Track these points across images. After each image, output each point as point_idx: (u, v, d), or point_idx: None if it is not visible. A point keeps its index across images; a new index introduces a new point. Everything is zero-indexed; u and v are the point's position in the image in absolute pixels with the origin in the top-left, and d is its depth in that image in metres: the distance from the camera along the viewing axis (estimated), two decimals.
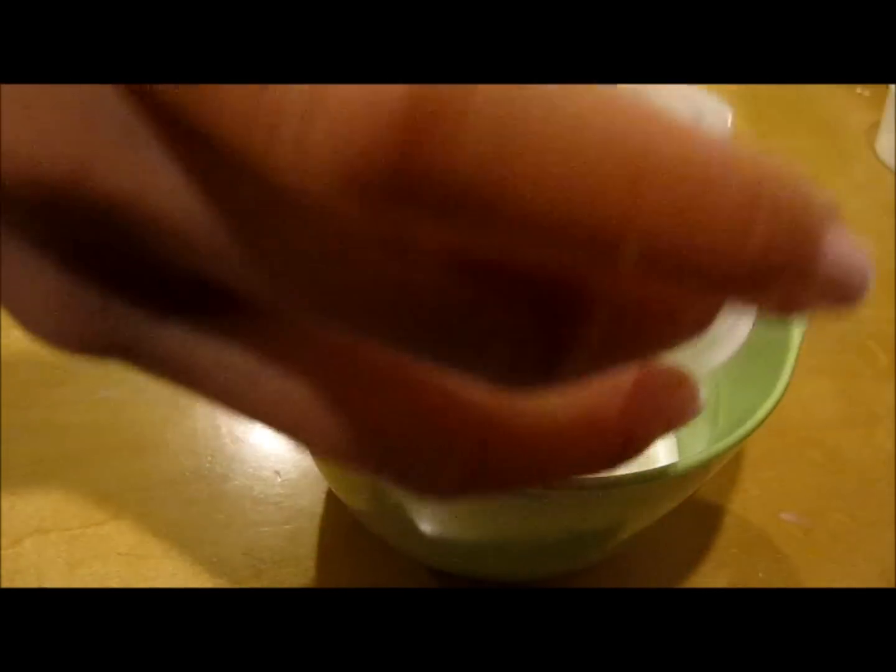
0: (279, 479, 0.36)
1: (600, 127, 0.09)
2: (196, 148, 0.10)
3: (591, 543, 0.28)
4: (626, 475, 0.22)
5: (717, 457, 0.23)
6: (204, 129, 0.10)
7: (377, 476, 0.12)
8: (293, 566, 0.33)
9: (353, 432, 0.12)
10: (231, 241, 0.10)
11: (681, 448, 0.34)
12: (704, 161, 0.09)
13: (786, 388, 0.25)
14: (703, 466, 0.23)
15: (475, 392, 0.12)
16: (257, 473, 0.36)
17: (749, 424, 0.24)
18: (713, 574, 0.34)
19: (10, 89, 0.11)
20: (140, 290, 0.12)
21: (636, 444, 0.13)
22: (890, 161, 0.57)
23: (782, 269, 0.09)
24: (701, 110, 0.32)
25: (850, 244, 0.10)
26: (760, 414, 0.24)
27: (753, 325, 0.23)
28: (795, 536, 0.35)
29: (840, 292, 0.10)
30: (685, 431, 0.34)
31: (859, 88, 0.66)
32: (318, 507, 0.35)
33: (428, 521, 0.27)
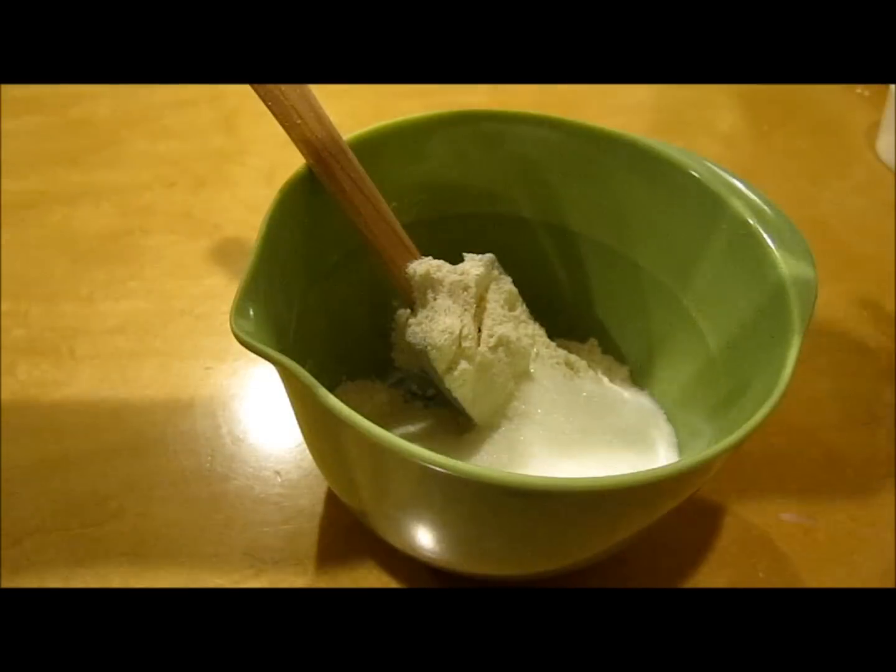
0: (279, 479, 0.36)
1: None
2: None
3: (592, 544, 0.28)
4: (626, 475, 0.22)
5: (717, 457, 0.23)
6: None
7: None
8: (293, 566, 0.33)
9: None
10: None
11: (681, 448, 0.34)
12: None
13: (786, 388, 0.25)
14: (703, 466, 0.23)
15: None
16: (257, 473, 0.36)
17: (749, 424, 0.24)
18: (713, 574, 0.34)
19: None
20: None
21: None
22: (890, 161, 0.57)
23: None
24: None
25: None
26: (760, 414, 0.24)
27: None
28: (795, 536, 0.35)
29: None
30: (685, 431, 0.34)
31: (859, 88, 0.66)
32: (318, 507, 0.35)
33: (428, 521, 0.27)
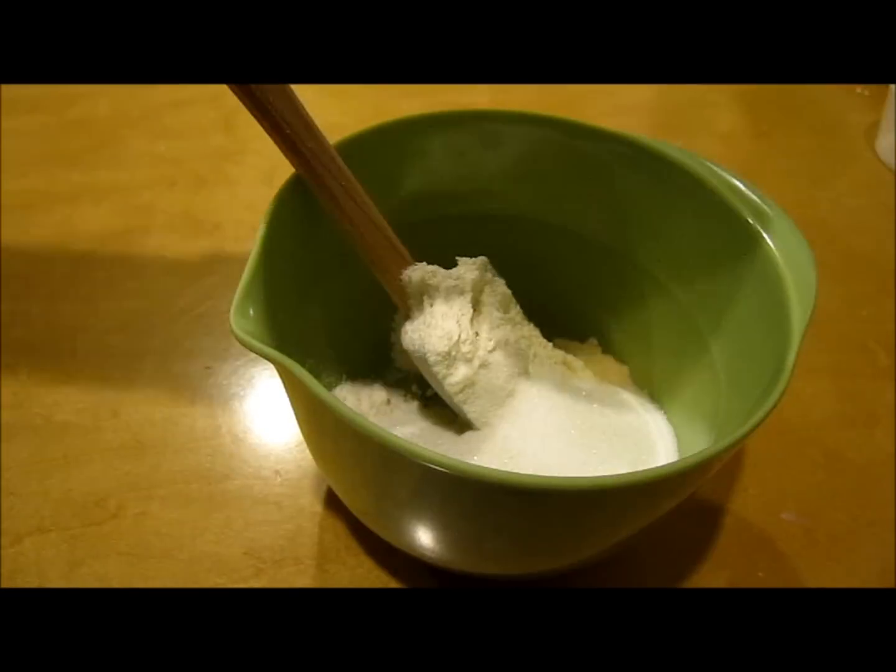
0: (279, 479, 0.36)
1: None
2: None
3: (591, 543, 0.28)
4: (626, 475, 0.22)
5: (717, 457, 0.23)
6: None
7: None
8: (293, 566, 0.33)
9: None
10: None
11: (681, 448, 0.34)
12: None
13: (786, 388, 0.25)
14: (703, 466, 0.23)
15: None
16: (257, 473, 0.36)
17: (749, 424, 0.24)
18: (713, 574, 0.34)
19: None
20: None
21: None
22: (890, 161, 0.57)
23: None
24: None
25: None
26: (760, 414, 0.24)
27: None
28: (795, 536, 0.35)
29: None
30: (685, 431, 0.34)
31: (859, 88, 0.66)
32: (318, 507, 0.35)
33: (428, 521, 0.27)
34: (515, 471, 0.22)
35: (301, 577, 0.32)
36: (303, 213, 0.29)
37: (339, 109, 0.58)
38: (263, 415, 0.39)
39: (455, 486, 0.23)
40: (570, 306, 0.38)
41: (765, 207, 0.31)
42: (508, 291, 0.34)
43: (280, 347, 0.24)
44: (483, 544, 0.27)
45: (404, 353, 0.32)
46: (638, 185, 0.33)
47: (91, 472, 0.35)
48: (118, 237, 0.47)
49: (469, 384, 0.31)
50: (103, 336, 0.41)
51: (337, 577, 0.33)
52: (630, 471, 0.22)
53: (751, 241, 0.29)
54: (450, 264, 0.32)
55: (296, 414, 0.29)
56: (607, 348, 0.38)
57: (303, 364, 0.23)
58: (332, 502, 0.35)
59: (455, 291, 0.31)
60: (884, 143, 0.58)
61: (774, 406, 0.24)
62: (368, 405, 0.35)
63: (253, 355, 0.23)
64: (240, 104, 0.26)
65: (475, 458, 0.31)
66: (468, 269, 0.32)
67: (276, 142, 0.27)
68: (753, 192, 0.32)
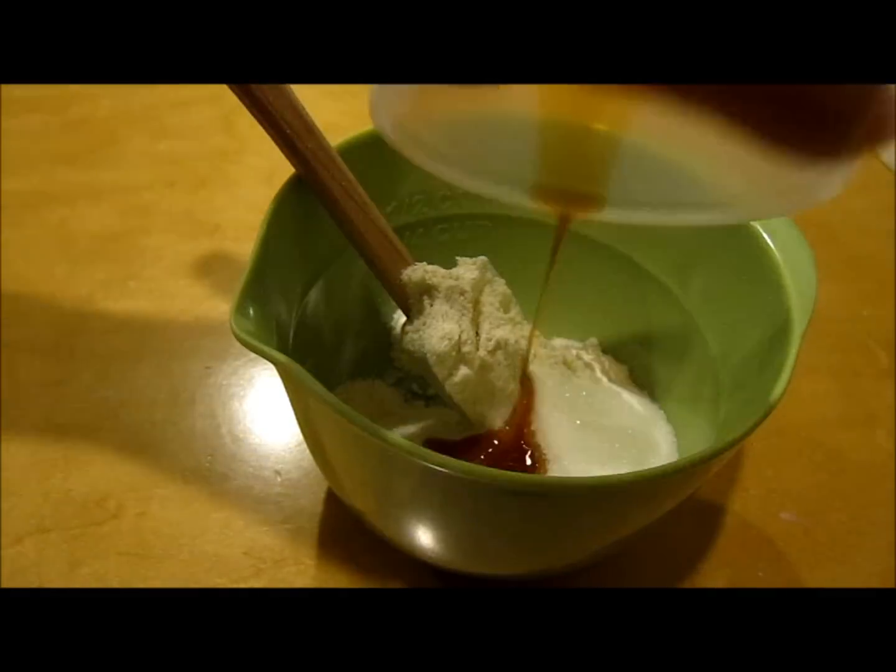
0: (279, 479, 0.36)
1: None
2: None
3: (591, 543, 0.28)
4: (626, 474, 0.22)
5: (717, 456, 0.23)
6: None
7: None
8: (293, 566, 0.33)
9: None
10: None
11: (681, 448, 0.34)
12: None
13: (786, 388, 0.25)
14: (703, 466, 0.23)
15: None
16: (257, 473, 0.36)
17: (749, 424, 0.24)
18: (713, 574, 0.34)
19: None
20: None
21: None
22: (890, 161, 0.57)
23: None
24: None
25: None
26: (760, 414, 0.24)
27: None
28: (795, 536, 0.35)
29: None
30: (685, 431, 0.34)
31: None
32: (318, 507, 0.35)
33: (428, 521, 0.27)
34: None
35: (301, 577, 0.32)
36: (303, 213, 0.29)
37: (339, 109, 0.57)
38: (263, 415, 0.39)
39: (455, 486, 0.23)
40: (570, 306, 0.38)
41: None
42: (508, 291, 0.34)
43: (280, 347, 0.24)
44: (483, 544, 0.27)
45: (404, 352, 0.32)
46: None
47: (91, 472, 0.35)
48: (118, 237, 0.47)
49: (469, 384, 0.31)
50: (103, 336, 0.41)
51: (337, 577, 0.33)
52: (630, 471, 0.22)
53: (751, 241, 0.29)
54: (450, 264, 0.32)
55: (296, 414, 0.29)
56: (607, 348, 0.38)
57: (303, 364, 0.23)
58: (332, 502, 0.35)
59: (455, 291, 0.31)
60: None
61: (774, 406, 0.24)
62: (368, 405, 0.35)
63: (253, 355, 0.23)
64: (240, 104, 0.26)
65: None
66: (468, 269, 0.32)
67: (276, 142, 0.27)
68: None
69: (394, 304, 0.32)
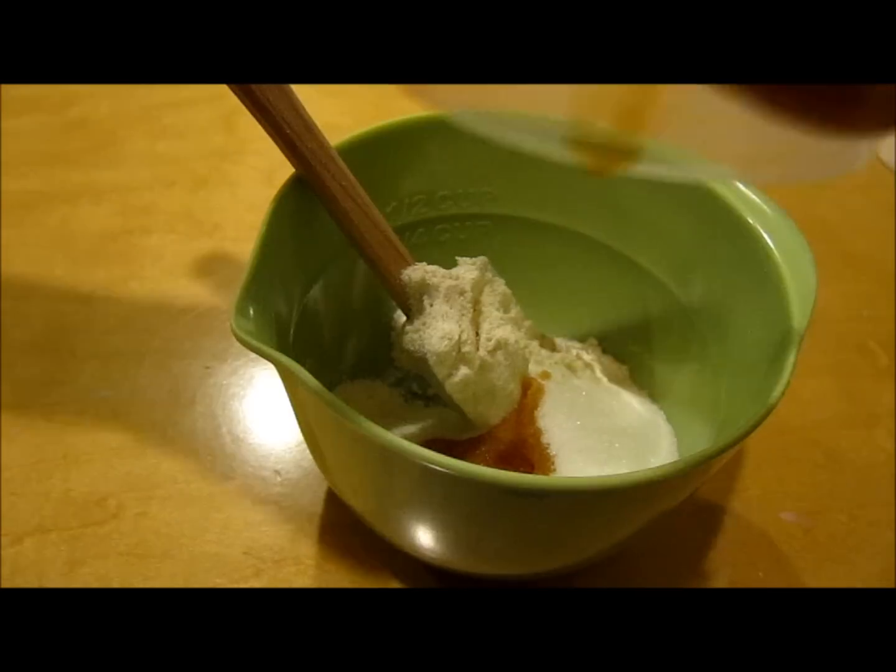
0: (279, 479, 0.36)
1: None
2: None
3: (591, 543, 0.28)
4: (626, 475, 0.22)
5: (717, 456, 0.23)
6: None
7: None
8: (293, 566, 0.33)
9: None
10: None
11: (681, 448, 0.34)
12: None
13: (786, 388, 0.25)
14: (703, 466, 0.23)
15: None
16: (257, 473, 0.36)
17: (749, 424, 0.24)
18: (713, 574, 0.34)
19: None
20: None
21: None
22: (890, 161, 0.57)
23: None
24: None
25: None
26: (760, 414, 0.24)
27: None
28: (795, 536, 0.35)
29: None
30: (685, 431, 0.34)
31: None
32: (318, 507, 0.35)
33: (428, 521, 0.27)
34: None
35: (301, 577, 0.32)
36: (303, 213, 0.29)
37: (339, 109, 0.57)
38: (263, 415, 0.39)
39: (455, 486, 0.23)
40: (570, 306, 0.38)
41: (765, 207, 0.31)
42: (508, 291, 0.34)
43: (280, 347, 0.24)
44: (483, 544, 0.27)
45: (404, 353, 0.32)
46: (638, 184, 0.33)
47: (91, 472, 0.35)
48: (118, 237, 0.47)
49: (469, 384, 0.31)
50: (103, 336, 0.41)
51: (337, 577, 0.33)
52: (630, 471, 0.22)
53: (751, 242, 0.29)
54: (450, 264, 0.32)
55: (296, 414, 0.29)
56: (607, 348, 0.38)
57: (303, 364, 0.23)
58: (332, 502, 0.35)
59: (455, 291, 0.31)
60: (884, 143, 0.58)
61: (774, 406, 0.24)
62: (368, 405, 0.35)
63: (253, 355, 0.23)
64: (240, 104, 0.26)
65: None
66: (468, 269, 0.32)
67: (276, 142, 0.27)
68: (753, 192, 0.32)
69: (394, 303, 0.32)
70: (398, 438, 0.22)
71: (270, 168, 0.52)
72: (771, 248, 0.29)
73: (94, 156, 0.53)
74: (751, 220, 0.30)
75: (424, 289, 0.31)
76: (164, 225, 0.48)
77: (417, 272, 0.30)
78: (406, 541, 0.29)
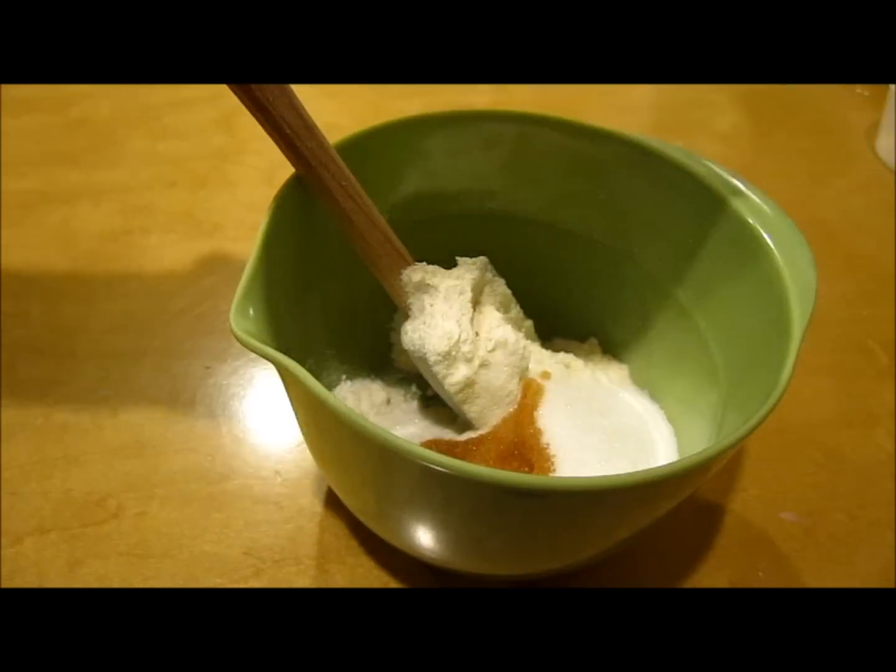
0: (279, 479, 0.36)
1: None
2: None
3: (591, 543, 0.28)
4: (626, 475, 0.22)
5: (717, 457, 0.23)
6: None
7: None
8: (293, 566, 0.33)
9: None
10: None
11: (681, 448, 0.34)
12: None
13: (786, 388, 0.25)
14: (703, 466, 0.23)
15: None
16: (257, 473, 0.36)
17: (749, 424, 0.24)
18: (713, 574, 0.34)
19: None
20: None
21: None
22: (890, 161, 0.57)
23: None
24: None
25: None
26: (760, 414, 0.24)
27: None
28: (795, 536, 0.35)
29: None
30: (685, 431, 0.34)
31: (859, 88, 0.66)
32: (318, 507, 0.35)
33: (428, 521, 0.27)
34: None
35: (301, 577, 0.32)
36: (303, 213, 0.29)
37: (339, 109, 0.58)
38: (263, 415, 0.39)
39: (455, 486, 0.23)
40: (570, 306, 0.38)
41: (765, 207, 0.31)
42: (508, 291, 0.34)
43: (280, 347, 0.24)
44: (483, 544, 0.27)
45: (404, 353, 0.32)
46: (638, 184, 0.33)
47: (91, 472, 0.35)
48: (118, 237, 0.47)
49: (469, 384, 0.31)
50: (103, 336, 0.41)
51: (337, 577, 0.33)
52: (629, 471, 0.22)
53: (750, 241, 0.29)
54: (450, 264, 0.32)
55: (296, 414, 0.29)
56: (607, 348, 0.38)
57: (303, 364, 0.23)
58: (332, 502, 0.35)
59: (455, 291, 0.31)
60: (884, 143, 0.58)
61: (774, 406, 0.24)
62: (368, 405, 0.35)
63: (253, 355, 0.23)
64: (240, 104, 0.26)
65: None
66: (468, 269, 0.32)
67: (276, 142, 0.27)
68: (753, 192, 0.32)
69: (394, 303, 0.32)
70: (398, 438, 0.22)
71: (270, 168, 0.52)
72: (771, 248, 0.29)
73: (94, 156, 0.53)
74: (751, 220, 0.30)
75: (424, 288, 0.31)
76: (164, 225, 0.49)
77: (417, 272, 0.30)
78: (406, 541, 0.29)
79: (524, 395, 0.33)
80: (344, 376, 0.35)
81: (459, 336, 0.30)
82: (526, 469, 0.31)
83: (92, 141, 0.55)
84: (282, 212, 0.28)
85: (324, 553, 0.33)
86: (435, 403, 0.35)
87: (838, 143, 0.61)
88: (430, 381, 0.32)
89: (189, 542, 0.33)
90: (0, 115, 0.55)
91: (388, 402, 0.35)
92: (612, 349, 0.38)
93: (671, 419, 0.35)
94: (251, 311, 0.25)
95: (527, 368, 0.34)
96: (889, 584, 0.34)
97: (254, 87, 0.26)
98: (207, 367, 0.40)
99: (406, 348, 0.31)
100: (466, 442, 0.32)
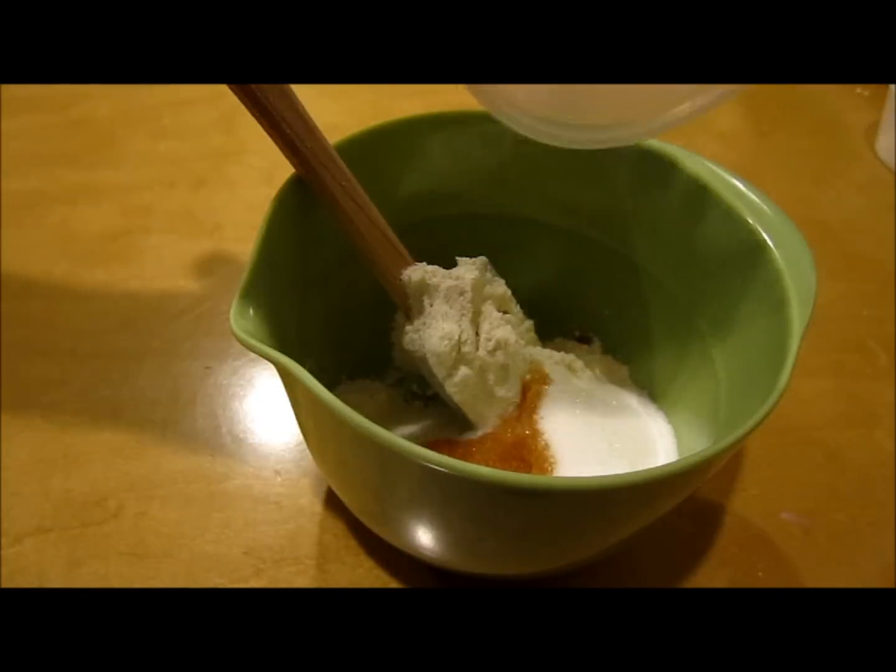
0: (279, 479, 0.36)
1: None
2: None
3: (590, 543, 0.28)
4: (626, 475, 0.22)
5: (717, 456, 0.23)
6: None
7: None
8: (293, 565, 0.33)
9: None
10: None
11: (681, 448, 0.34)
12: None
13: (786, 388, 0.25)
14: (703, 466, 0.23)
15: None
16: (257, 473, 0.36)
17: (749, 424, 0.24)
18: (713, 574, 0.34)
19: None
20: None
21: None
22: (890, 161, 0.57)
23: None
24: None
25: None
26: (760, 414, 0.24)
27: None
28: (795, 536, 0.35)
29: None
30: (685, 431, 0.34)
31: (859, 88, 0.66)
32: (318, 507, 0.35)
33: (428, 521, 0.27)
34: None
35: (301, 577, 0.32)
36: (303, 213, 0.29)
37: (339, 109, 0.58)
38: (263, 415, 0.39)
39: (455, 486, 0.23)
40: (570, 306, 0.38)
41: (765, 207, 0.31)
42: (508, 291, 0.34)
43: (280, 347, 0.24)
44: (483, 544, 0.27)
45: (404, 353, 0.32)
46: (638, 184, 0.33)
47: (91, 472, 0.35)
48: (118, 237, 0.47)
49: (469, 384, 0.31)
50: (103, 336, 0.41)
51: (337, 577, 0.33)
52: (629, 471, 0.22)
53: (751, 241, 0.29)
54: (450, 264, 0.32)
55: (296, 414, 0.29)
56: (607, 348, 0.38)
57: (303, 364, 0.23)
58: (332, 502, 0.35)
59: (455, 291, 0.31)
60: (884, 143, 0.58)
61: (774, 406, 0.24)
62: (368, 405, 0.35)
63: (253, 355, 0.23)
64: (240, 104, 0.26)
65: None
66: (468, 269, 0.32)
67: (276, 142, 0.27)
68: (753, 192, 0.32)
69: (394, 303, 0.32)
70: (398, 438, 0.22)
71: (270, 168, 0.52)
72: (771, 249, 0.29)
73: (94, 156, 0.53)
74: (751, 221, 0.30)
75: (424, 289, 0.31)
76: (164, 225, 0.49)
77: (417, 272, 0.30)
78: (406, 541, 0.29)
79: (524, 396, 0.33)
80: (344, 376, 0.35)
81: (459, 336, 0.30)
82: (525, 469, 0.31)
83: (92, 141, 0.55)
84: (282, 212, 0.28)
85: (324, 553, 0.33)
86: (435, 403, 0.35)
87: (838, 143, 0.61)
88: (430, 382, 0.32)
89: (189, 542, 0.33)
90: (0, 115, 0.55)
91: (388, 402, 0.35)
92: (612, 349, 0.38)
93: (671, 419, 0.35)
94: (251, 311, 0.25)
95: (527, 369, 0.34)
96: (889, 584, 0.34)
97: (254, 87, 0.26)
98: (207, 367, 0.40)
99: (406, 348, 0.31)
100: (466, 442, 0.32)
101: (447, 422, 0.34)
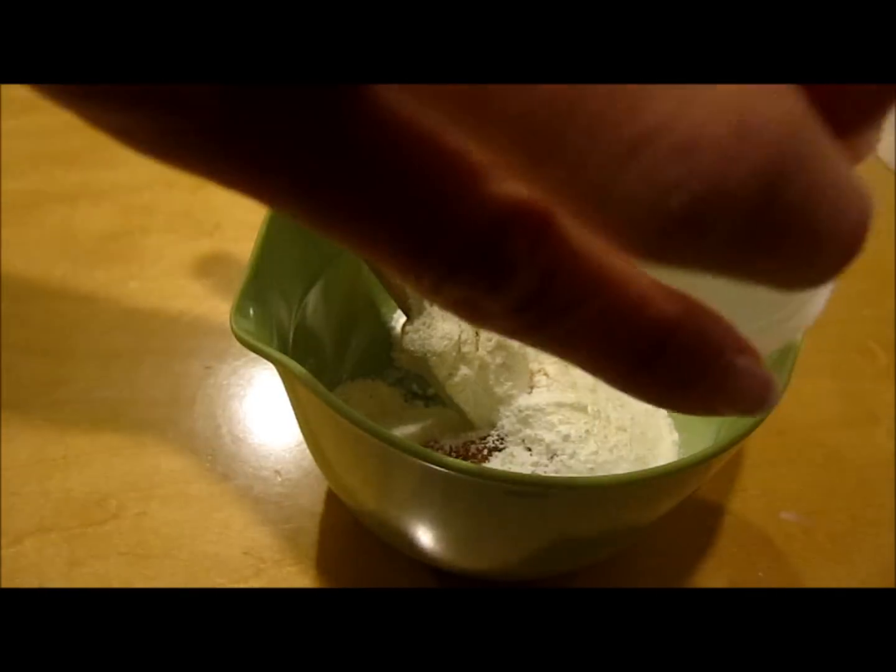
0: (279, 479, 0.36)
1: None
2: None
3: (591, 543, 0.28)
4: (626, 474, 0.22)
5: (717, 456, 0.23)
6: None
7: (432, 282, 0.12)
8: (293, 566, 0.33)
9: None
10: None
11: (681, 448, 0.34)
12: None
13: (786, 388, 0.25)
14: (703, 466, 0.23)
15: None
16: (257, 473, 0.36)
17: (749, 424, 0.24)
18: (713, 574, 0.34)
19: None
20: None
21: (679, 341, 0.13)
22: (890, 161, 0.57)
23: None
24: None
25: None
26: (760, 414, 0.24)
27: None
28: (795, 536, 0.35)
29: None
30: (685, 431, 0.34)
31: None
32: (318, 507, 0.35)
33: (428, 521, 0.27)
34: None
35: (301, 577, 0.32)
36: None
37: None
38: (263, 415, 0.39)
39: (455, 485, 0.23)
40: None
41: None
42: None
43: (280, 347, 0.24)
44: (483, 544, 0.27)
45: (404, 353, 0.32)
46: None
47: (91, 472, 0.35)
48: (118, 237, 0.47)
49: (469, 384, 0.31)
50: (103, 336, 0.41)
51: (337, 577, 0.33)
52: (630, 471, 0.22)
53: None
54: None
55: (296, 414, 0.29)
56: None
57: (303, 364, 0.23)
58: (332, 502, 0.35)
59: None
60: (884, 143, 0.58)
61: (774, 406, 0.24)
62: (369, 405, 0.35)
63: (253, 355, 0.23)
64: None
65: None
66: None
67: None
68: None
69: (394, 303, 0.32)
70: (399, 438, 0.22)
71: None
72: None
73: (94, 156, 0.53)
74: None
75: None
76: (164, 225, 0.48)
77: None
78: (406, 541, 0.29)
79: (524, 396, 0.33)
80: (344, 376, 0.35)
81: (460, 336, 0.30)
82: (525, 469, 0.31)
83: (92, 141, 0.54)
84: None
85: (324, 553, 0.33)
86: (435, 403, 0.35)
87: None
88: (430, 382, 0.32)
89: (189, 542, 0.33)
90: (0, 115, 0.55)
91: (388, 401, 0.35)
92: None
93: (672, 418, 0.35)
94: (251, 311, 0.25)
95: (527, 369, 0.34)
96: (889, 584, 0.34)
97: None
98: (207, 367, 0.40)
99: (406, 348, 0.31)
100: (467, 442, 0.32)
101: (447, 422, 0.34)
